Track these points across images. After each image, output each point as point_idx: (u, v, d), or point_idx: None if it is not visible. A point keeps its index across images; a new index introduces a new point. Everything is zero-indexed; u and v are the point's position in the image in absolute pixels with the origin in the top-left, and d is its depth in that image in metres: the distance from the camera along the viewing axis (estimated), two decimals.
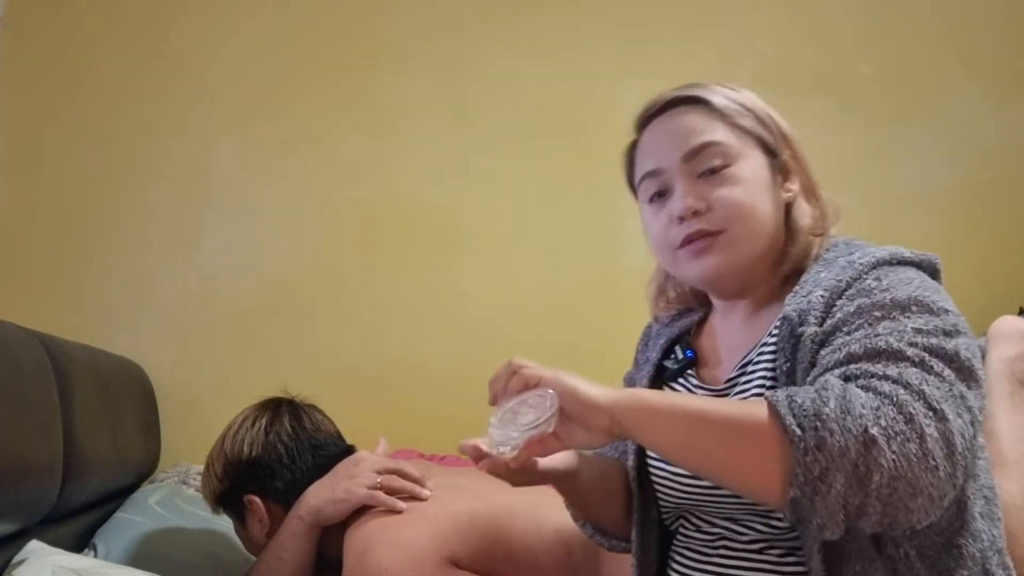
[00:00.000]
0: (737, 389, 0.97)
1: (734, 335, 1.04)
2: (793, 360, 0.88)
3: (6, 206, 2.09)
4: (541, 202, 2.22)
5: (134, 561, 1.44)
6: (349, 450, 1.45)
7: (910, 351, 0.79)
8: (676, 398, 0.92)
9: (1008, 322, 1.41)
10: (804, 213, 1.02)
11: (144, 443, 1.85)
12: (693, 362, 1.08)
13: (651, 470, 1.07)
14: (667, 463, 1.04)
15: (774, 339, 0.95)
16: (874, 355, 0.80)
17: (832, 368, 0.82)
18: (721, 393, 1.00)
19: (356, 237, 2.18)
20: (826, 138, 2.33)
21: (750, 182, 0.99)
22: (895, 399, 0.74)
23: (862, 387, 0.77)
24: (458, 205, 2.21)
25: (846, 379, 0.79)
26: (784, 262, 1.01)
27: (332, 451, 1.42)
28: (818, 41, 2.37)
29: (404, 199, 2.20)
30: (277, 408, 1.45)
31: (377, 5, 2.25)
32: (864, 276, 0.90)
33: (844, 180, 2.32)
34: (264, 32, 2.21)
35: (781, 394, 0.77)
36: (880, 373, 0.78)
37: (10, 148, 2.11)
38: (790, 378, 0.88)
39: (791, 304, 0.93)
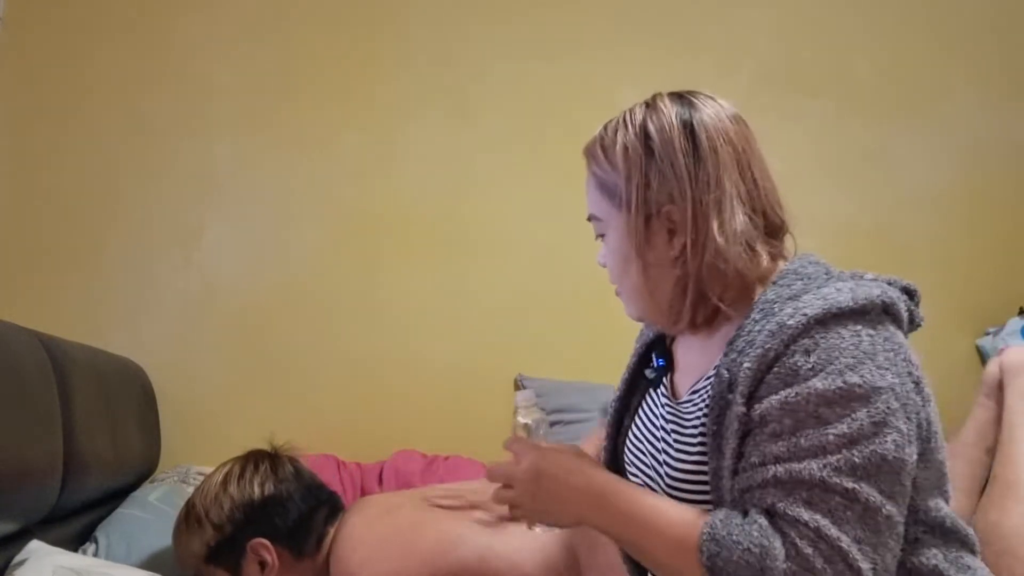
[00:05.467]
0: (689, 420, 0.99)
1: (692, 352, 1.06)
2: (720, 424, 0.91)
3: (6, 206, 2.09)
4: (541, 202, 2.22)
5: (134, 555, 1.45)
6: (334, 496, 1.46)
7: (833, 480, 0.83)
8: (630, 504, 0.93)
9: (1019, 353, 1.44)
10: (700, 271, 0.97)
11: (144, 443, 1.85)
12: (667, 369, 1.10)
13: (627, 471, 1.10)
14: (638, 462, 1.08)
15: (710, 386, 0.95)
16: (798, 485, 0.84)
17: (757, 488, 0.87)
18: (678, 411, 1.02)
19: (356, 237, 2.18)
20: (826, 138, 2.34)
21: (617, 252, 1.03)
22: (811, 567, 0.81)
23: (784, 541, 0.83)
24: (458, 205, 2.21)
25: (770, 514, 0.85)
26: (707, 302, 0.98)
27: (324, 494, 1.44)
28: (818, 41, 2.37)
29: (404, 199, 2.20)
30: (271, 456, 1.44)
31: (377, 5, 2.25)
32: (792, 348, 0.87)
33: (844, 180, 2.33)
34: (264, 32, 2.21)
35: (706, 549, 0.84)
36: (803, 520, 0.83)
37: (10, 148, 2.11)
38: (716, 439, 0.92)
39: (726, 359, 0.93)
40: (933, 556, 0.92)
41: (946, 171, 2.37)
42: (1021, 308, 2.19)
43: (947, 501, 0.96)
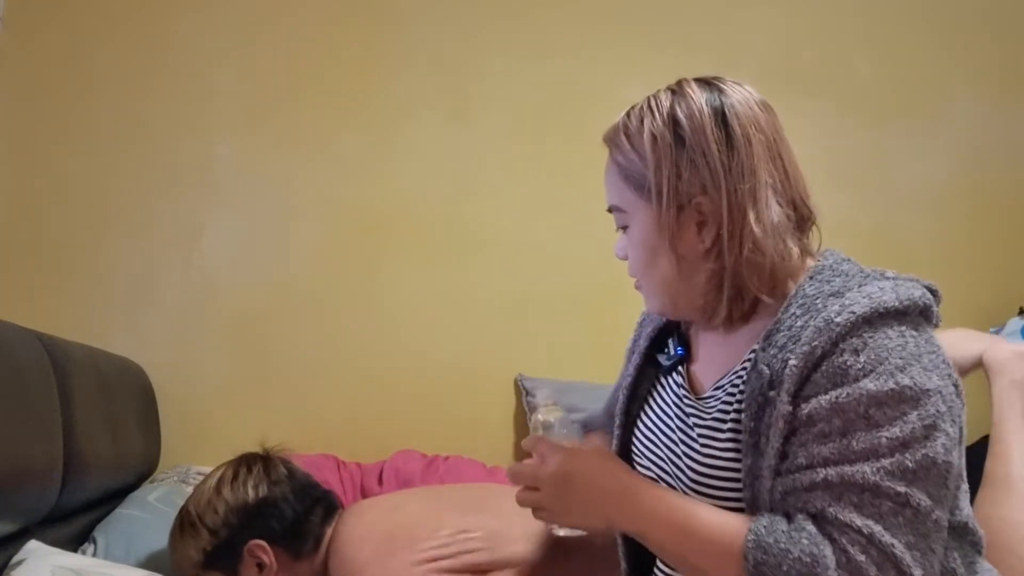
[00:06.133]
0: (712, 415, 0.97)
1: (714, 344, 1.03)
2: (758, 420, 0.89)
3: (6, 206, 2.09)
4: (541, 202, 2.22)
5: (133, 555, 1.45)
6: (329, 494, 1.46)
7: (886, 483, 0.81)
8: (665, 506, 0.92)
9: (1001, 349, 1.40)
10: (738, 264, 0.93)
11: (144, 443, 1.84)
12: (684, 358, 1.07)
13: (635, 462, 1.09)
14: (649, 453, 1.06)
15: (742, 381, 0.93)
16: (849, 489, 0.82)
17: (803, 491, 0.85)
18: (699, 406, 1.00)
19: (356, 237, 2.18)
20: (826, 138, 2.34)
21: (643, 244, 0.99)
22: (863, 574, 0.79)
23: (834, 548, 0.81)
24: (458, 205, 2.21)
25: (818, 519, 0.83)
26: (744, 296, 0.95)
27: (319, 493, 1.43)
28: (818, 41, 2.37)
29: (404, 199, 2.20)
30: (264, 458, 1.43)
31: (377, 5, 2.25)
32: (841, 346, 0.85)
33: (844, 180, 2.32)
34: (265, 32, 2.21)
35: (752, 557, 0.83)
36: (855, 526, 0.81)
37: (10, 148, 2.11)
38: (754, 436, 0.89)
39: (763, 354, 0.90)
40: (952, 559, 0.91)
41: (946, 171, 2.37)
42: (1021, 308, 2.19)
43: (967, 498, 0.96)
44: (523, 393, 2.12)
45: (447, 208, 2.21)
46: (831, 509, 0.82)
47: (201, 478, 1.78)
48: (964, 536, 0.94)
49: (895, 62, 2.39)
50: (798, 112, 2.37)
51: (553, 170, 2.20)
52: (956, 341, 1.42)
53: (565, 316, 2.19)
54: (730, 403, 0.94)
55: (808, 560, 0.80)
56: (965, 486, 0.96)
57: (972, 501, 1.24)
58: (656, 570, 1.07)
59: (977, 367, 1.41)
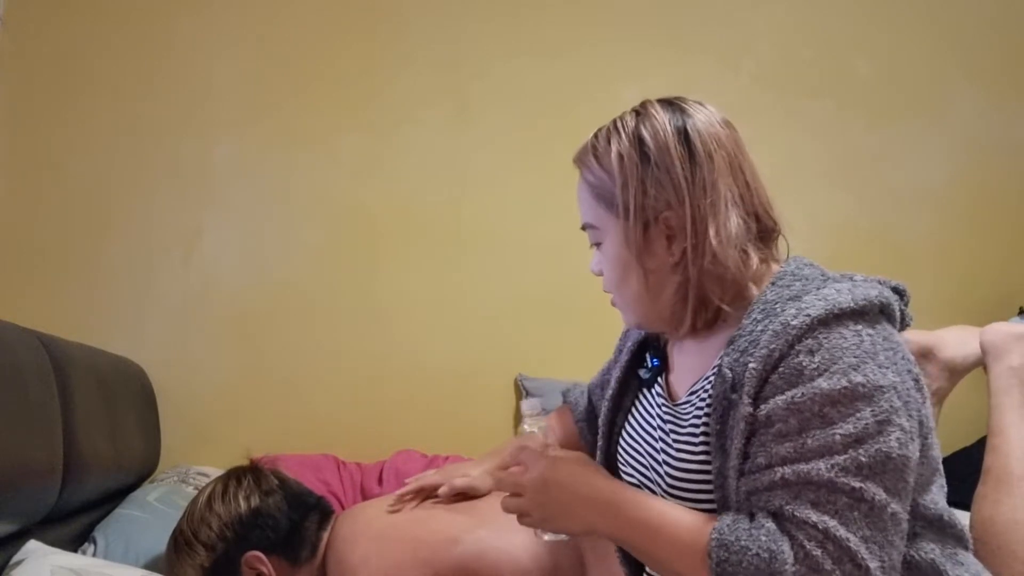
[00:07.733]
0: (688, 419, 0.99)
1: (688, 353, 1.06)
2: (723, 423, 0.92)
3: (6, 206, 2.09)
4: (541, 202, 2.22)
5: (133, 555, 1.45)
6: (323, 501, 1.45)
7: (840, 479, 0.84)
8: (638, 510, 0.94)
9: (999, 331, 1.33)
10: (700, 275, 0.97)
11: (144, 443, 1.85)
12: (662, 369, 1.11)
13: (620, 470, 1.11)
14: (633, 461, 1.07)
15: (711, 386, 0.96)
16: (805, 487, 0.85)
17: (764, 491, 0.87)
18: (675, 412, 1.03)
19: (356, 237, 2.18)
20: (826, 138, 2.34)
21: (615, 260, 1.02)
22: (820, 568, 0.82)
23: (792, 544, 0.84)
24: (458, 205, 2.22)
25: (777, 517, 0.86)
26: (707, 305, 0.98)
27: (312, 500, 1.43)
28: (818, 41, 2.37)
29: (404, 199, 2.20)
30: (254, 470, 1.42)
31: (377, 5, 2.25)
32: (797, 348, 0.87)
33: (843, 180, 2.33)
34: (264, 33, 2.21)
35: (715, 555, 0.85)
36: (811, 522, 0.83)
37: (10, 148, 2.11)
38: (719, 439, 0.92)
39: (727, 359, 0.93)
40: (931, 551, 0.93)
41: (946, 171, 2.38)
42: (1021, 308, 2.19)
43: (944, 494, 0.97)
44: (523, 393, 2.12)
45: (447, 208, 2.21)
46: (789, 507, 0.85)
47: (201, 478, 1.78)
48: (943, 530, 0.95)
49: (895, 62, 2.39)
50: (798, 112, 2.40)
51: (553, 170, 2.19)
52: (955, 340, 1.39)
53: (565, 316, 2.19)
54: (701, 408, 0.97)
55: (766, 556, 0.83)
56: (941, 480, 0.97)
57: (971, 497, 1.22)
58: (646, 572, 1.09)
59: (979, 364, 1.37)
